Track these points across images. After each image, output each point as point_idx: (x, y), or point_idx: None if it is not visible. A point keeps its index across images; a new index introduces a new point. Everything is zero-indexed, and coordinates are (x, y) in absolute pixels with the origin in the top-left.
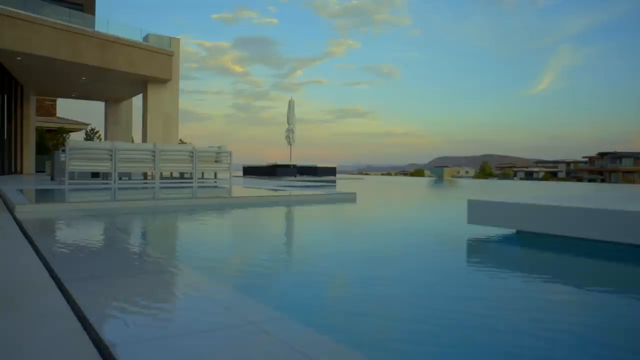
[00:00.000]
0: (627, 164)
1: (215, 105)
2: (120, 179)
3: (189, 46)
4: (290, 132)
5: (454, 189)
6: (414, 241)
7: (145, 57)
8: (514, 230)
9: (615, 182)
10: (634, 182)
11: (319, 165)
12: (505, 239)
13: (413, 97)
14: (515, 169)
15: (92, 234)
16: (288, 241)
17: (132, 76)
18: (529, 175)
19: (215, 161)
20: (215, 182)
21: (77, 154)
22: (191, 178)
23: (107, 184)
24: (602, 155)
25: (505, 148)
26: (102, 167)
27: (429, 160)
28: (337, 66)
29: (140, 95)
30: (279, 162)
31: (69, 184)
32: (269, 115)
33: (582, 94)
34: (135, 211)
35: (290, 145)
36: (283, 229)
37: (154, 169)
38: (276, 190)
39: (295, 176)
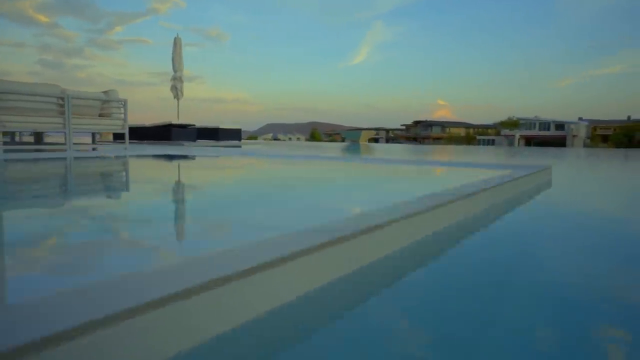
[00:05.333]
0: (436, 132)
1: (15, 60)
2: None
3: None
4: (177, 81)
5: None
6: None
7: None
8: None
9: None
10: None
11: (221, 126)
12: None
13: (242, 64)
14: (343, 136)
15: None
16: None
17: None
18: None
19: (100, 115)
20: (94, 148)
21: None
22: (62, 142)
23: None
24: (416, 123)
25: (328, 116)
26: None
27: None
28: (162, 24)
29: None
30: (174, 122)
31: None
32: (85, 74)
33: (394, 67)
34: None
35: (178, 100)
36: None
37: None
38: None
39: (195, 140)
